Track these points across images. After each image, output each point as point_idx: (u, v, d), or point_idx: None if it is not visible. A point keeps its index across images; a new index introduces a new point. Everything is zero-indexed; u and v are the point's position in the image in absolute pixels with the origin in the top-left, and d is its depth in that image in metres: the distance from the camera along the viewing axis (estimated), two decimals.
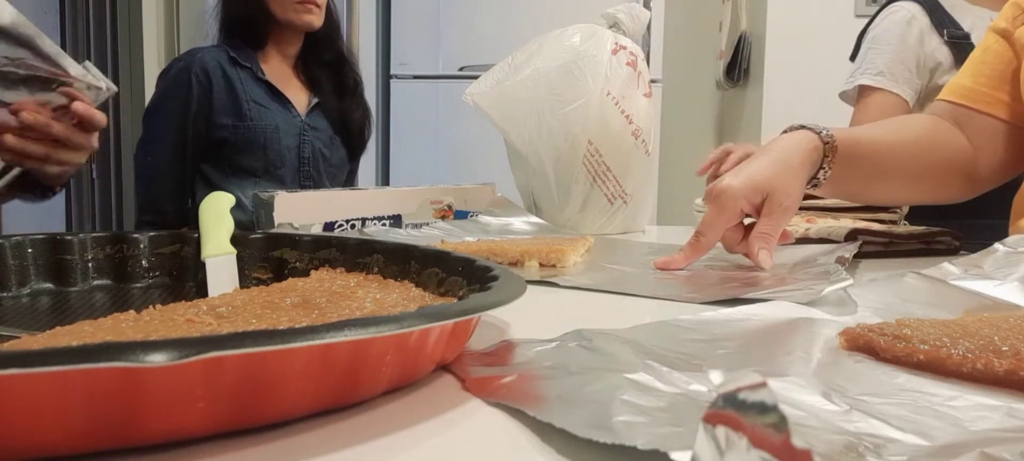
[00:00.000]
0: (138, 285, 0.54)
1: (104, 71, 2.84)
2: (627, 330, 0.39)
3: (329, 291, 0.43)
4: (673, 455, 0.22)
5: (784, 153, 0.70)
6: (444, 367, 0.35)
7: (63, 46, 2.72)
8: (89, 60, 0.79)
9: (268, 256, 0.55)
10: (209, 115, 1.55)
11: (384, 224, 1.01)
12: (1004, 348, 0.33)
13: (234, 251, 0.54)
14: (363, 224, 1.00)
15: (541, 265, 0.67)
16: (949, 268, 0.57)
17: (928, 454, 0.24)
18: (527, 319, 0.47)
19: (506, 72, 1.02)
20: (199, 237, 0.55)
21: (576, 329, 0.39)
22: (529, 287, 0.56)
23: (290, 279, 0.47)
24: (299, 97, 1.65)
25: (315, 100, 1.64)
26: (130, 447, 0.24)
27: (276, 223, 0.89)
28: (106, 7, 2.67)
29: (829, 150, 0.72)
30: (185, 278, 0.55)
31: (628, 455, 0.23)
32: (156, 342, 0.22)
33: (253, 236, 0.56)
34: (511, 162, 1.09)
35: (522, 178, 1.07)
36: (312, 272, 0.49)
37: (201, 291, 0.52)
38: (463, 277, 0.44)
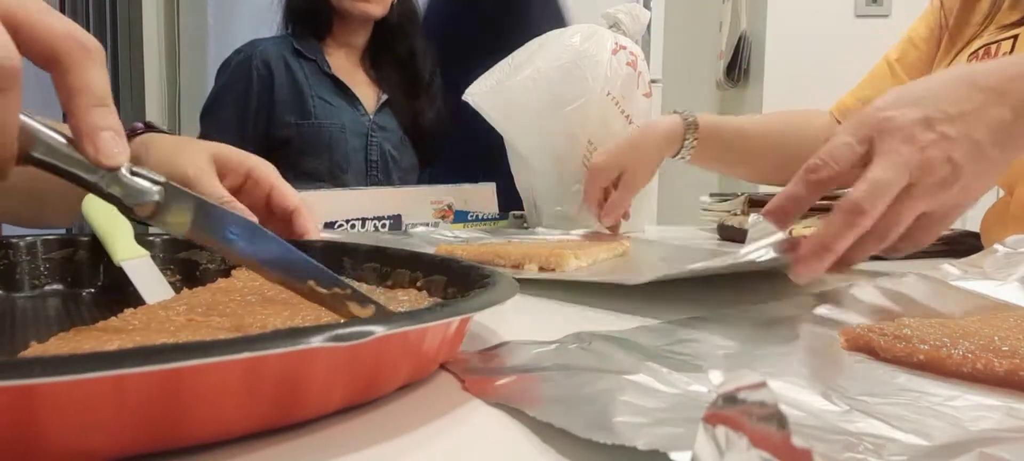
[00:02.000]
0: (26, 294, 0.49)
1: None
2: (627, 331, 0.39)
3: (278, 287, 0.43)
4: (673, 455, 0.22)
5: (640, 136, 0.91)
6: (443, 367, 0.35)
7: None
8: None
9: (175, 258, 0.52)
10: (271, 112, 1.42)
11: (384, 224, 1.01)
12: (1004, 348, 0.33)
13: (147, 253, 0.50)
14: (363, 224, 1.00)
15: (541, 269, 0.67)
16: (949, 269, 0.57)
17: (928, 454, 0.24)
18: (527, 320, 0.47)
19: (506, 72, 1.03)
20: (92, 240, 0.50)
21: (575, 331, 0.38)
22: (529, 288, 0.56)
23: (223, 279, 0.45)
24: (367, 94, 1.50)
25: (384, 97, 1.50)
26: (160, 451, 0.24)
27: None
28: (106, 7, 2.67)
29: (690, 127, 0.91)
30: (81, 284, 0.51)
31: (628, 455, 0.23)
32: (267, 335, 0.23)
33: (155, 237, 0.52)
34: (511, 162, 1.09)
35: (522, 178, 1.07)
36: (233, 271, 0.47)
37: (105, 295, 0.49)
38: (409, 269, 0.44)
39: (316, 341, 0.23)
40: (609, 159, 0.90)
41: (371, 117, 1.48)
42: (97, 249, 0.50)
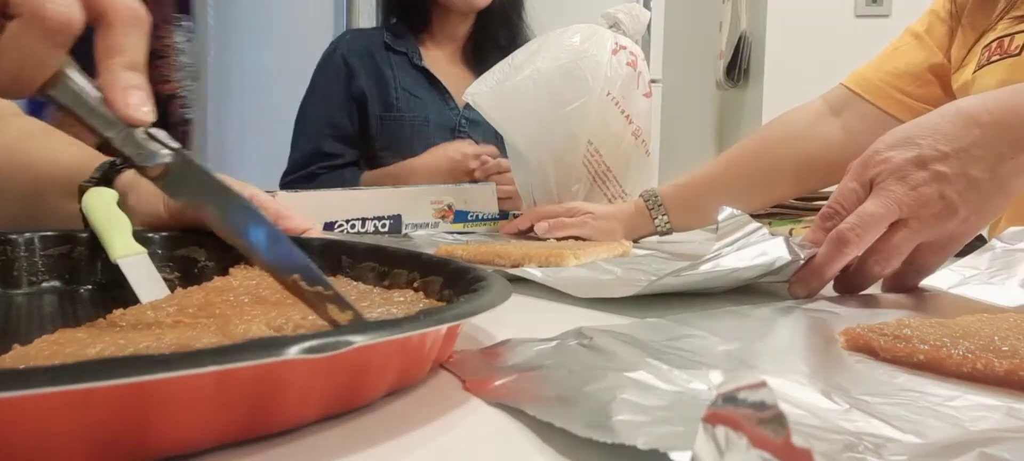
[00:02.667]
0: (24, 291, 0.48)
1: None
2: (627, 327, 0.39)
3: (274, 286, 0.42)
4: (673, 455, 0.22)
5: (613, 222, 0.93)
6: (442, 367, 0.35)
7: None
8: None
9: (173, 255, 0.51)
10: (358, 105, 1.39)
11: (384, 224, 1.01)
12: (1004, 348, 0.33)
13: (144, 250, 0.50)
14: (363, 224, 1.00)
15: (540, 268, 0.67)
16: (948, 273, 0.57)
17: (928, 453, 0.24)
18: (527, 319, 0.47)
19: (506, 72, 1.02)
20: (91, 237, 0.50)
21: (576, 328, 0.38)
22: (529, 287, 0.56)
23: (220, 278, 0.45)
24: (461, 86, 1.38)
25: None
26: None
27: None
28: None
29: (654, 203, 0.92)
30: (79, 281, 0.50)
31: (628, 455, 0.23)
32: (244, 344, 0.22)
33: (155, 235, 0.52)
34: (511, 162, 1.09)
35: (522, 178, 1.07)
36: (230, 270, 0.47)
37: (103, 292, 0.49)
38: (405, 269, 0.44)
39: (292, 352, 0.23)
40: (559, 210, 0.96)
41: (461, 111, 1.41)
42: (96, 246, 0.50)
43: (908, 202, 0.51)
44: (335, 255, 0.48)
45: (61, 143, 0.68)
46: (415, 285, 0.43)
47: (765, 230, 0.55)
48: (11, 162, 0.66)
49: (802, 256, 0.52)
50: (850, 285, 0.55)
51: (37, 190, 0.63)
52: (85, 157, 0.63)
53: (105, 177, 0.59)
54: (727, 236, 0.54)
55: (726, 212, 0.56)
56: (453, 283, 0.41)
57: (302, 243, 0.50)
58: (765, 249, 0.52)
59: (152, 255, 0.50)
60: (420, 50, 1.42)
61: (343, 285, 0.45)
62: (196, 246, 0.52)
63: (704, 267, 0.51)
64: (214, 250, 0.51)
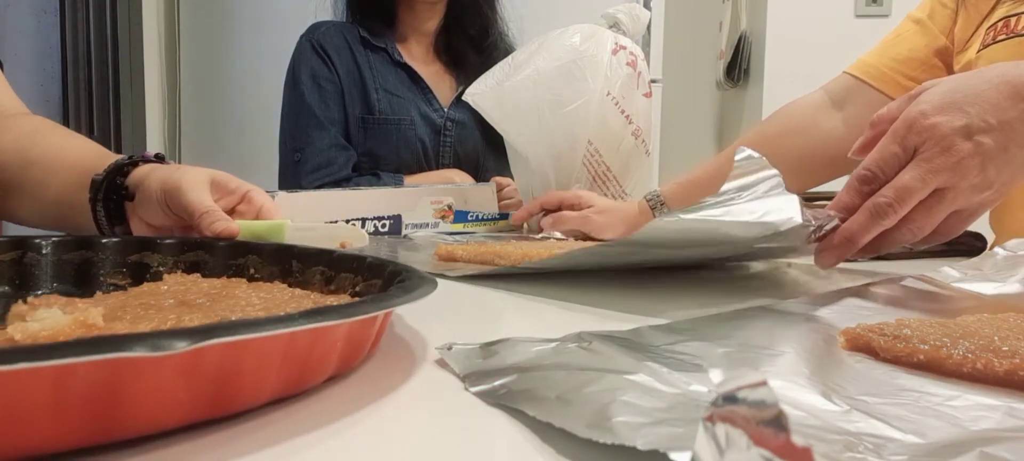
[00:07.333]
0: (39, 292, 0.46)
1: (104, 71, 2.80)
2: (627, 331, 0.39)
3: (203, 291, 0.41)
4: (673, 455, 0.22)
5: (614, 217, 0.94)
6: (441, 365, 0.35)
7: (63, 46, 2.72)
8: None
9: (126, 261, 0.49)
10: (339, 99, 1.30)
11: (384, 224, 1.01)
12: (1004, 348, 0.33)
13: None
14: (363, 224, 1.00)
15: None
16: (949, 271, 0.57)
17: (928, 453, 0.24)
18: (527, 320, 0.47)
19: (506, 72, 1.03)
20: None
21: (575, 332, 0.38)
22: (528, 290, 0.55)
23: (149, 284, 0.44)
24: (441, 84, 1.36)
25: (460, 88, 1.32)
26: (113, 441, 0.23)
27: None
28: (106, 7, 2.67)
29: (657, 203, 0.93)
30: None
31: (628, 455, 0.23)
32: (168, 332, 0.22)
33: (107, 240, 0.50)
34: (511, 162, 1.09)
35: (522, 178, 1.07)
36: (165, 276, 0.46)
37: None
38: (353, 273, 0.43)
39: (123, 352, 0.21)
40: (565, 197, 0.98)
41: (445, 111, 1.34)
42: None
43: (949, 174, 0.50)
44: (287, 260, 0.47)
45: (68, 139, 0.69)
46: (357, 288, 0.42)
47: (780, 180, 0.51)
48: (22, 159, 0.66)
49: (814, 223, 0.50)
50: (875, 248, 0.54)
51: (48, 184, 0.64)
52: (94, 151, 0.64)
53: (117, 172, 0.60)
54: (739, 178, 0.51)
55: (744, 153, 0.53)
56: (389, 285, 0.39)
57: (255, 248, 0.49)
58: (776, 206, 0.48)
59: (102, 260, 0.49)
60: (397, 45, 1.35)
61: (279, 292, 0.43)
62: (150, 251, 0.50)
63: (710, 212, 0.47)
64: (168, 254, 0.50)
